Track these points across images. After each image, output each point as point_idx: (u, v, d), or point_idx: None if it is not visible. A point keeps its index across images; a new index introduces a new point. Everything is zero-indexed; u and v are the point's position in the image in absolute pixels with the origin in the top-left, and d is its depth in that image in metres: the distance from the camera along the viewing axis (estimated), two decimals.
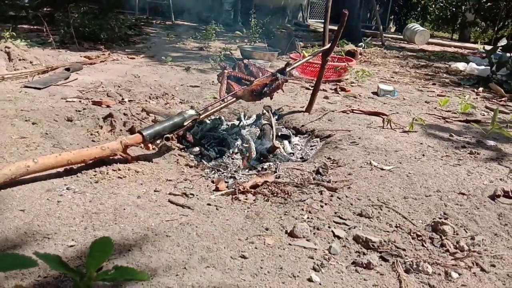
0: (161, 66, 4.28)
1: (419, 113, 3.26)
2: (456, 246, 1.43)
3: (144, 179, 1.75)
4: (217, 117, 2.72)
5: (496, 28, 15.86)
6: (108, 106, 2.62)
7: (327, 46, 2.75)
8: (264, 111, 2.71)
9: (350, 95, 3.73)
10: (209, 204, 1.58)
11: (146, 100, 2.96)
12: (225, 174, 2.03)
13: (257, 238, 1.36)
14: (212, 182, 1.84)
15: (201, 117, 2.12)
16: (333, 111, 3.02)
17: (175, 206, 1.53)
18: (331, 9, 11.70)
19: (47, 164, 1.56)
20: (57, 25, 5.61)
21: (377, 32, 10.08)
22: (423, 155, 2.24)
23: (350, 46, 6.20)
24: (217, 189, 1.74)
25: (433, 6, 17.86)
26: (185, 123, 2.03)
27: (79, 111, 2.46)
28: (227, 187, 1.81)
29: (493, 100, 4.02)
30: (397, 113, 3.00)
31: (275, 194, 1.73)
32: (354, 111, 3.05)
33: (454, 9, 17.34)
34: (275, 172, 1.99)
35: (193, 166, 2.04)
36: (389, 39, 10.82)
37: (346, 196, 1.75)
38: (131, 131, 2.29)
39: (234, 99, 2.29)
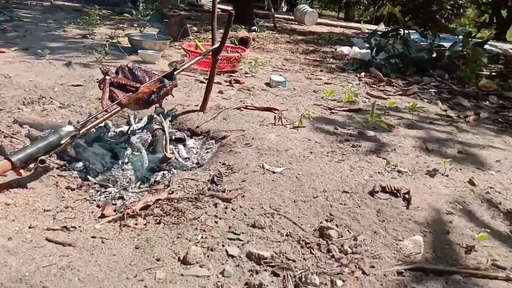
0: (37, 61, 3.84)
1: (308, 104, 3.41)
2: (341, 249, 1.53)
3: (17, 212, 1.56)
4: (103, 123, 2.53)
5: (376, 7, 17.26)
6: None
7: (216, 45, 2.70)
8: (155, 115, 2.59)
9: (245, 87, 3.75)
10: (93, 237, 1.47)
11: (18, 108, 2.63)
12: (112, 193, 1.90)
13: (147, 273, 1.31)
14: (98, 206, 1.72)
15: (81, 132, 1.95)
16: (227, 108, 3.01)
17: (54, 244, 1.40)
18: None
19: None
20: None
21: (269, 13, 10.29)
22: (311, 152, 2.36)
23: (243, 33, 6.22)
24: (103, 216, 1.63)
25: None
26: (62, 142, 1.85)
27: None
28: (114, 210, 1.70)
29: (373, 85, 4.37)
30: (287, 110, 3.09)
31: (168, 214, 1.67)
32: (248, 107, 3.08)
33: None
34: (168, 186, 1.92)
35: (76, 188, 1.87)
36: (281, 20, 11.13)
37: (240, 207, 1.76)
38: (0, 151, 2.02)
39: (119, 108, 2.14)
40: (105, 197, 1.86)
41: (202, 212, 1.69)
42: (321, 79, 4.49)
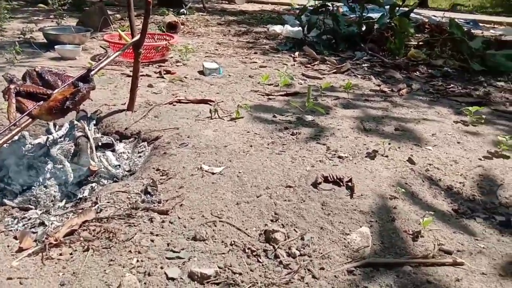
0: None
1: (244, 92, 3.29)
2: (288, 253, 1.46)
3: None
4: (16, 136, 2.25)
5: None
6: None
7: (137, 38, 2.47)
8: (75, 120, 2.35)
9: (176, 78, 3.55)
10: (9, 278, 1.27)
11: None
12: (32, 219, 1.68)
13: None
14: (15, 238, 1.50)
15: None
16: (159, 104, 2.81)
17: None
18: None
19: None
20: None
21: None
22: (251, 146, 2.25)
23: (170, 17, 5.93)
24: (20, 250, 1.42)
25: None
26: None
27: None
28: (35, 241, 1.50)
29: (308, 65, 4.33)
30: (223, 101, 2.95)
31: (97, 237, 1.50)
32: (181, 101, 2.90)
33: None
34: (96, 203, 1.74)
35: None
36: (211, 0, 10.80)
37: (179, 218, 1.63)
38: None
39: (30, 120, 1.89)
40: (24, 225, 1.64)
41: (136, 231, 1.54)
42: (256, 62, 4.38)
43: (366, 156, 2.19)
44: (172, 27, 5.50)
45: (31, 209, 1.83)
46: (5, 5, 5.07)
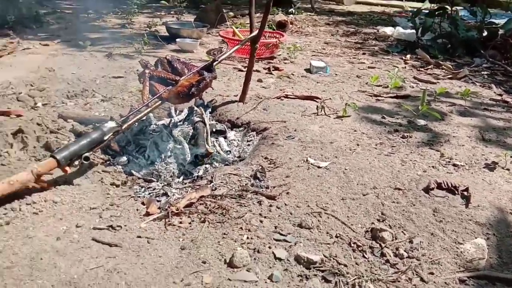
0: (79, 53, 3.90)
1: (351, 91, 3.26)
2: (396, 253, 1.44)
3: (64, 211, 1.57)
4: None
5: None
6: (18, 116, 2.32)
7: (255, 33, 2.60)
8: (195, 107, 2.55)
9: (284, 74, 3.65)
10: (139, 237, 1.45)
11: (62, 102, 2.67)
12: (156, 189, 1.88)
13: (194, 276, 1.27)
14: (143, 204, 1.70)
15: (123, 128, 1.93)
16: (267, 98, 2.92)
17: (100, 245, 1.39)
18: None
19: None
20: None
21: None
22: (358, 144, 2.24)
23: (280, 16, 6.06)
24: (147, 214, 1.61)
25: None
26: (105, 138, 1.84)
27: None
28: (159, 208, 1.68)
29: (420, 69, 4.14)
30: (330, 98, 2.96)
31: (212, 211, 1.63)
32: (288, 96, 2.98)
33: None
34: (211, 181, 1.88)
35: (120, 184, 1.87)
36: (318, 0, 10.79)
37: (285, 204, 1.69)
38: (46, 147, 2.05)
39: (159, 102, 2.11)
40: (149, 193, 1.85)
41: (246, 210, 1.63)
42: (364, 63, 4.30)
43: (484, 167, 2.04)
44: (281, 26, 5.64)
45: (153, 181, 2.04)
46: (135, 1, 5.64)
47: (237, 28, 4.67)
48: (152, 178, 2.07)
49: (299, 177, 1.88)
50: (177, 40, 4.39)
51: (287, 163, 2.02)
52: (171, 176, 2.12)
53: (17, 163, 1.92)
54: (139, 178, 2.05)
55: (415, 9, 8.12)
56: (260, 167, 1.96)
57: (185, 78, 2.14)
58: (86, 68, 3.43)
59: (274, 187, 1.82)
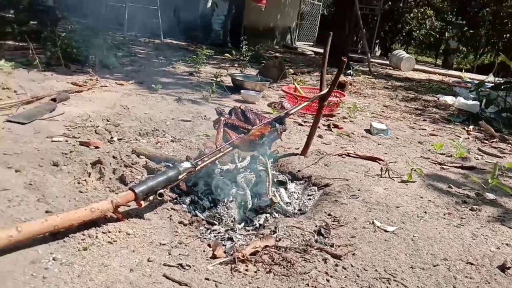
0: (151, 95, 4.17)
1: (414, 156, 3.22)
2: None
3: (136, 243, 1.62)
4: None
5: (477, 55, 16.38)
6: (96, 147, 2.48)
7: (325, 91, 2.68)
8: (259, 155, 2.61)
9: (344, 133, 3.67)
10: (207, 279, 1.46)
11: (136, 138, 2.83)
12: (221, 233, 1.91)
13: None
14: (209, 246, 1.73)
15: (197, 169, 2.01)
16: (329, 154, 2.95)
17: (171, 282, 1.41)
18: (319, 32, 11.83)
19: (31, 232, 1.42)
20: (44, 43, 5.45)
21: (364, 57, 10.22)
22: (425, 212, 2.18)
23: (340, 77, 6.20)
24: (214, 257, 1.63)
25: (417, 32, 18.27)
26: (179, 177, 1.92)
27: (65, 153, 2.32)
28: (224, 252, 1.69)
29: (485, 141, 4.03)
30: (394, 162, 2.93)
31: (277, 263, 1.62)
32: (350, 155, 2.98)
33: (437, 35, 17.80)
34: (274, 231, 1.88)
35: (188, 223, 1.92)
36: (376, 64, 10.97)
37: (352, 266, 1.65)
38: (121, 180, 2.16)
39: (231, 148, 2.19)
40: (215, 236, 1.87)
41: (311, 267, 1.61)
42: (425, 129, 4.26)
43: None
44: (340, 86, 5.74)
45: (216, 224, 2.08)
46: (204, 52, 6.02)
47: (298, 84, 4.82)
48: (214, 221, 2.11)
49: (365, 239, 1.84)
50: (242, 91, 4.59)
51: (351, 223, 1.99)
52: (232, 221, 2.14)
53: (93, 191, 2.03)
54: (202, 220, 2.09)
55: (474, 80, 8.06)
56: (325, 224, 1.95)
57: (256, 128, 2.22)
58: (157, 109, 3.65)
59: (339, 246, 1.79)
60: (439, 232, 1.95)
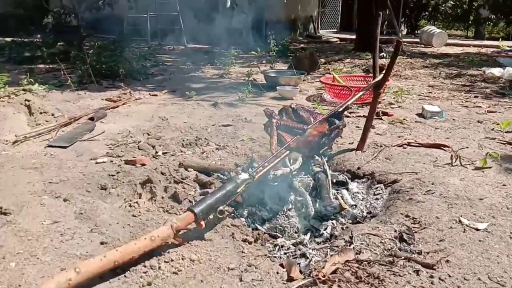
0: (186, 103, 4.03)
1: (479, 138, 2.93)
2: None
3: (203, 271, 1.46)
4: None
5: (510, 21, 15.52)
6: (143, 165, 2.35)
7: (379, 78, 2.45)
8: (316, 156, 2.41)
9: (396, 120, 3.42)
10: None
11: (180, 150, 2.68)
12: (290, 249, 1.73)
13: None
14: (281, 266, 1.54)
15: (255, 179, 1.83)
16: (387, 145, 2.71)
17: None
18: (341, 18, 11.51)
19: (91, 271, 1.29)
20: (73, 62, 5.45)
21: (391, 37, 9.78)
22: None
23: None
24: (290, 279, 1.44)
25: (444, 5, 17.50)
26: (238, 190, 1.75)
27: (112, 175, 2.20)
28: (300, 271, 1.51)
29: None
30: (463, 147, 2.66)
31: (363, 280, 1.42)
32: (411, 144, 2.73)
33: (466, 6, 16.99)
34: (350, 242, 1.68)
35: (252, 241, 1.74)
36: (405, 43, 10.48)
37: (449, 276, 1.43)
38: (174, 197, 2.01)
39: (287, 152, 2.00)
40: (285, 253, 1.69)
41: (404, 282, 1.40)
42: (480, 106, 3.93)
43: None
44: (380, 70, 5.44)
45: (279, 237, 1.90)
46: (233, 52, 5.85)
47: (337, 74, 4.58)
48: (277, 233, 1.93)
49: (456, 242, 1.61)
50: (278, 87, 4.40)
51: (435, 223, 1.76)
52: (296, 232, 1.96)
53: (147, 214, 1.89)
54: (264, 233, 1.92)
55: None
56: (406, 228, 1.73)
57: (313, 127, 2.02)
58: (195, 116, 3.51)
59: (428, 252, 1.57)
60: None
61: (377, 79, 2.45)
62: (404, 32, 16.84)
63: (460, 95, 4.46)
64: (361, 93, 2.37)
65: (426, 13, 17.84)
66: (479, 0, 15.88)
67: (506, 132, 3.04)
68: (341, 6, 15.14)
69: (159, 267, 1.45)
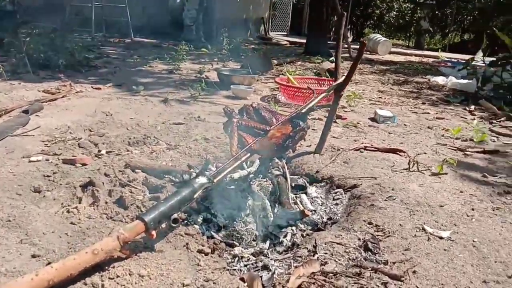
0: (133, 98, 3.77)
1: (431, 144, 2.98)
2: None
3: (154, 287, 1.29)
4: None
5: (445, 34, 16.58)
6: (83, 165, 2.11)
7: (340, 80, 2.39)
8: (275, 158, 2.30)
9: (350, 123, 3.40)
10: None
11: (126, 149, 2.45)
12: (251, 260, 1.59)
13: None
14: (242, 280, 1.40)
15: (214, 183, 1.68)
16: (344, 149, 2.66)
17: None
18: (291, 22, 11.59)
19: None
20: (7, 50, 4.94)
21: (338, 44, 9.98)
22: (473, 209, 1.92)
23: (328, 64, 5.94)
24: None
25: (388, 15, 18.32)
26: (195, 196, 1.59)
27: (48, 176, 1.94)
28: (263, 286, 1.38)
29: (492, 121, 3.83)
30: (424, 153, 2.67)
31: None
32: (368, 148, 2.71)
33: (408, 18, 17.91)
34: (314, 251, 1.58)
35: (209, 252, 1.58)
36: (352, 50, 10.77)
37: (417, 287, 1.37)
38: (120, 203, 1.80)
39: (249, 154, 1.86)
40: (245, 265, 1.55)
41: None
42: (428, 113, 4.04)
43: None
44: (331, 73, 5.48)
45: (236, 245, 1.76)
46: (184, 47, 5.62)
47: (291, 75, 4.52)
48: (234, 242, 1.79)
49: (421, 251, 1.56)
50: (232, 86, 4.25)
51: (398, 231, 1.70)
52: (254, 239, 1.83)
53: (88, 221, 1.67)
54: (220, 242, 1.77)
55: (451, 59, 8.01)
56: (371, 236, 1.65)
57: (276, 128, 1.90)
58: (143, 113, 3.27)
59: (394, 262, 1.51)
60: (499, 233, 1.70)
61: (338, 81, 2.38)
62: (350, 39, 17.37)
63: (409, 101, 4.58)
64: (323, 94, 2.29)
65: (372, 22, 18.56)
66: (420, 13, 16.77)
67: (456, 138, 3.12)
68: (291, 10, 15.30)
69: (103, 285, 1.25)
